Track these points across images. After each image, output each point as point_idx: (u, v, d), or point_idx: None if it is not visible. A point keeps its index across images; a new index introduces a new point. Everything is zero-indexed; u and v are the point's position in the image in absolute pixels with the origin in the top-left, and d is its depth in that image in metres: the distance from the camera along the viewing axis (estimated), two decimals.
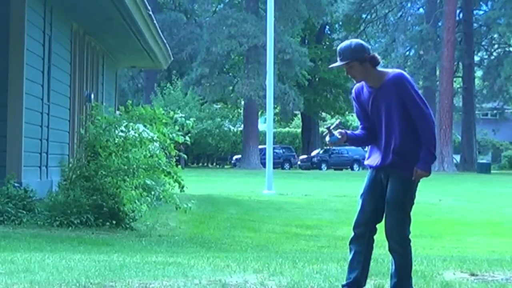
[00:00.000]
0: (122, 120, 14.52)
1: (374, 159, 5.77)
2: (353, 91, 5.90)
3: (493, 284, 6.73)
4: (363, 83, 5.78)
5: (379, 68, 5.71)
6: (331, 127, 5.82)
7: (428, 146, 5.58)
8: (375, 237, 5.81)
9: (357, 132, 5.92)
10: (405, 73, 5.73)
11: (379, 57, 5.74)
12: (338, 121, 5.98)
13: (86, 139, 14.54)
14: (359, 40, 5.81)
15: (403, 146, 5.62)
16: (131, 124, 14.55)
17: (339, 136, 5.77)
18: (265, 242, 13.88)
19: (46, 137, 15.34)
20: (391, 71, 5.72)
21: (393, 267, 5.74)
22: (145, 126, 14.76)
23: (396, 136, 5.65)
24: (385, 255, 10.58)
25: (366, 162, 5.87)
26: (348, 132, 5.84)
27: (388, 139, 5.68)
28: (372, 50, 5.73)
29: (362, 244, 5.76)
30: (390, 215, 5.64)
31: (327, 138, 5.81)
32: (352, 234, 5.81)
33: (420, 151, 5.60)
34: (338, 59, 5.70)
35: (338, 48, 5.75)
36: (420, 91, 5.70)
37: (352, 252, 5.82)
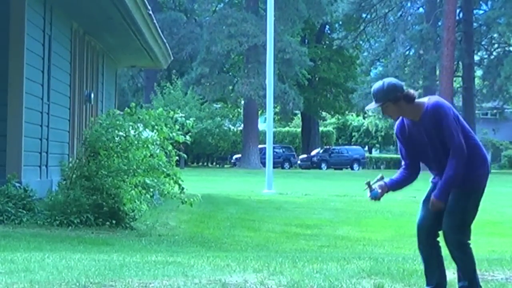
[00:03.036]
0: (125, 124, 14.52)
1: (435, 177, 5.89)
2: (395, 128, 5.97)
3: (493, 284, 6.74)
4: (403, 119, 5.85)
5: (416, 100, 5.75)
6: (371, 183, 5.91)
7: (448, 175, 5.64)
8: (439, 239, 5.92)
9: (397, 175, 5.99)
10: (440, 100, 5.76)
11: (413, 92, 5.75)
12: (379, 176, 6.02)
13: (88, 139, 14.54)
14: (391, 80, 5.81)
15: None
16: (132, 125, 14.56)
17: (379, 190, 5.89)
18: (265, 241, 13.88)
19: (46, 137, 15.34)
20: (427, 100, 5.77)
21: (458, 271, 5.86)
22: (145, 128, 14.77)
23: (446, 159, 5.71)
24: (385, 254, 10.60)
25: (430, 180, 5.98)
26: (387, 181, 5.94)
27: (440, 165, 5.77)
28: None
29: (428, 248, 5.86)
30: (448, 223, 5.73)
31: (368, 194, 5.93)
32: (418, 240, 5.91)
33: (471, 164, 5.68)
34: (373, 100, 5.79)
35: (372, 89, 5.83)
36: (456, 116, 5.72)
37: (424, 258, 5.93)
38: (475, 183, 5.73)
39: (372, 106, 5.80)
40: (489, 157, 70.86)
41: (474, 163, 5.69)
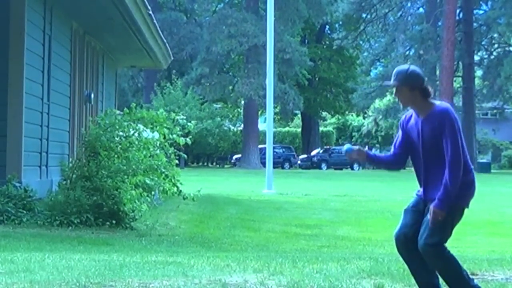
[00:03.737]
0: (124, 123, 14.55)
1: (420, 190, 5.85)
2: (401, 118, 5.97)
3: (493, 284, 6.74)
4: (412, 113, 5.84)
5: (430, 100, 5.74)
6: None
7: (447, 186, 5.57)
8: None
9: (382, 154, 5.99)
10: (451, 108, 5.73)
11: (431, 89, 5.75)
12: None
13: (87, 139, 14.56)
14: (417, 68, 5.82)
15: (441, 180, 5.63)
16: (131, 124, 14.58)
17: (355, 149, 5.87)
18: (265, 241, 13.89)
19: (46, 137, 15.34)
20: (439, 103, 5.76)
21: (442, 278, 5.76)
22: (145, 127, 14.80)
23: (435, 170, 5.68)
24: (385, 254, 10.59)
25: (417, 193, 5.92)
26: (369, 152, 5.93)
27: (427, 173, 5.74)
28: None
29: (408, 253, 5.78)
30: (427, 233, 5.63)
31: (346, 146, 5.96)
32: (396, 246, 5.85)
33: (461, 185, 5.60)
34: (392, 78, 5.79)
35: (395, 69, 5.84)
36: (458, 128, 5.69)
37: (406, 263, 5.87)
38: (458, 201, 5.65)
39: (389, 83, 5.81)
40: (489, 157, 71.04)
41: (462, 183, 5.64)
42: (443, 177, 5.62)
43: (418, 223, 5.74)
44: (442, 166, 5.66)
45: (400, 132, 5.95)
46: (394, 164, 5.96)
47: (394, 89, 5.78)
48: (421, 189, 5.82)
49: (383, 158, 5.98)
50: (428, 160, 5.74)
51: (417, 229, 5.75)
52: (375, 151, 6.18)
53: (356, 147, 5.91)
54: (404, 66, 5.83)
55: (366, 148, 6.02)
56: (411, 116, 5.87)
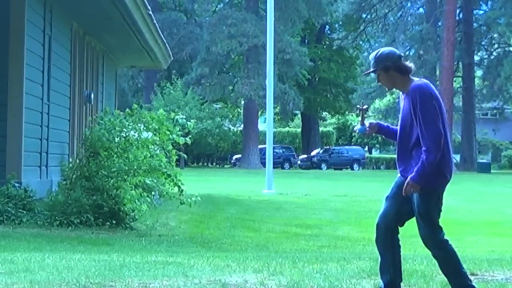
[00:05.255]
0: (125, 123, 14.52)
1: (399, 169, 5.83)
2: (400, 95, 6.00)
3: (493, 284, 6.73)
4: None
5: (412, 77, 5.68)
6: (363, 107, 5.88)
7: (423, 161, 5.51)
8: (399, 236, 5.86)
9: (393, 126, 5.96)
10: (426, 85, 5.61)
11: (406, 65, 5.65)
12: (365, 106, 5.97)
13: (88, 139, 14.55)
14: (386, 49, 5.75)
15: (416, 157, 5.61)
16: (132, 125, 14.56)
17: (368, 129, 5.83)
18: (265, 241, 13.89)
19: (46, 137, 15.35)
20: (417, 80, 5.67)
21: (441, 270, 5.81)
22: (148, 130, 14.77)
23: (410, 146, 5.67)
24: None
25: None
26: (382, 123, 5.91)
27: (402, 149, 5.73)
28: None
29: (385, 243, 5.81)
30: (420, 226, 5.71)
31: (357, 127, 5.90)
32: (375, 234, 5.86)
33: (438, 163, 5.55)
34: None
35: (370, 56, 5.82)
36: (438, 106, 5.56)
37: (380, 253, 5.88)
38: (433, 182, 5.60)
39: (367, 71, 5.80)
40: (489, 157, 71.02)
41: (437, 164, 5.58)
42: (413, 159, 5.59)
43: (400, 212, 5.76)
44: (412, 147, 5.61)
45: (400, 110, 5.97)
46: None
47: (376, 76, 5.76)
48: (401, 168, 5.78)
49: (394, 130, 5.90)
50: (401, 138, 5.71)
51: (399, 219, 5.79)
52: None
53: (368, 129, 5.85)
54: (375, 52, 5.78)
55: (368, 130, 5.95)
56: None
